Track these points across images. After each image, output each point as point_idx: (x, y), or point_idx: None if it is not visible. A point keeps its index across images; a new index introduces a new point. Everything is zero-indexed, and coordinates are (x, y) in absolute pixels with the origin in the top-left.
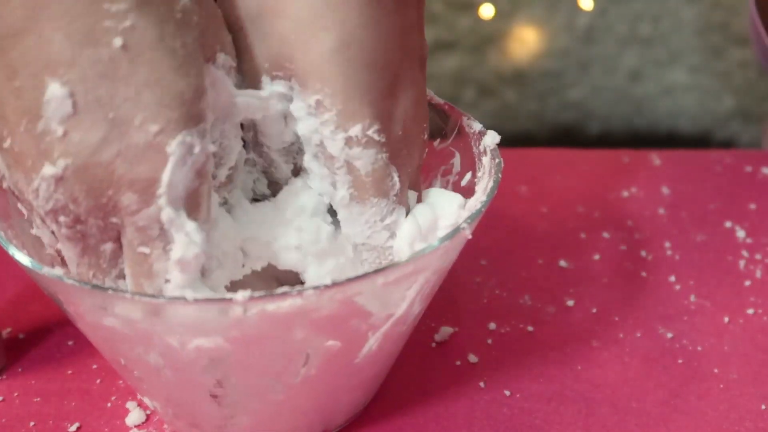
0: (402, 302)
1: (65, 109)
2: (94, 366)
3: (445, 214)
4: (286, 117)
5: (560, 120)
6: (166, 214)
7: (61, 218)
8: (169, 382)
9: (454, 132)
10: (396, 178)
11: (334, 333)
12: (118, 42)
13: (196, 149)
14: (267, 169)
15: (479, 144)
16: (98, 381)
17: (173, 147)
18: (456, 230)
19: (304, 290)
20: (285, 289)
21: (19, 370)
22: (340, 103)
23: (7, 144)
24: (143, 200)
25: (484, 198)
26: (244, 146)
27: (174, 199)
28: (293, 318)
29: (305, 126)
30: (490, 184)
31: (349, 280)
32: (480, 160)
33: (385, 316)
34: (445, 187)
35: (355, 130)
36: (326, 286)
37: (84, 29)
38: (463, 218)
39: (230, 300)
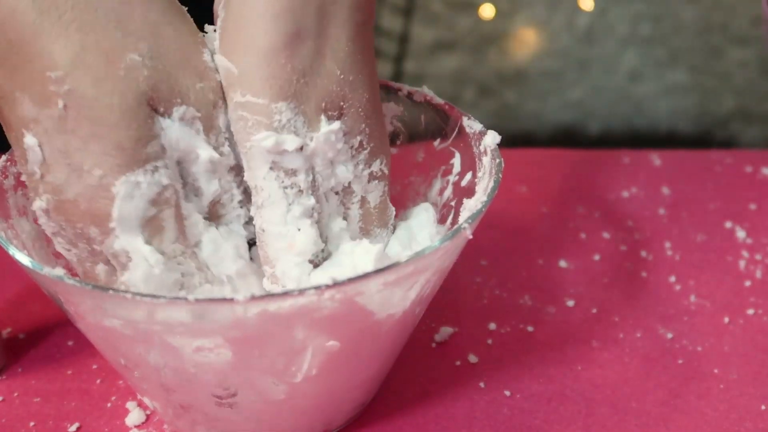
0: (403, 302)
1: (38, 156)
2: (94, 366)
3: (421, 225)
4: (332, 161)
5: (560, 120)
6: (119, 242)
7: (60, 240)
8: (169, 383)
9: (455, 132)
10: (392, 208)
11: (335, 333)
12: (60, 104)
13: (143, 185)
14: (321, 219)
15: (479, 144)
16: (98, 381)
17: (117, 187)
18: (457, 230)
19: (306, 290)
20: (286, 289)
21: (19, 370)
22: (374, 141)
23: (23, 177)
24: (103, 232)
25: (484, 198)
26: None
27: (128, 228)
28: (294, 318)
29: (344, 169)
30: (491, 184)
31: (351, 280)
32: (480, 160)
33: (386, 316)
34: (445, 187)
35: (375, 165)
36: (327, 286)
37: (39, 93)
38: (433, 222)
39: (231, 300)
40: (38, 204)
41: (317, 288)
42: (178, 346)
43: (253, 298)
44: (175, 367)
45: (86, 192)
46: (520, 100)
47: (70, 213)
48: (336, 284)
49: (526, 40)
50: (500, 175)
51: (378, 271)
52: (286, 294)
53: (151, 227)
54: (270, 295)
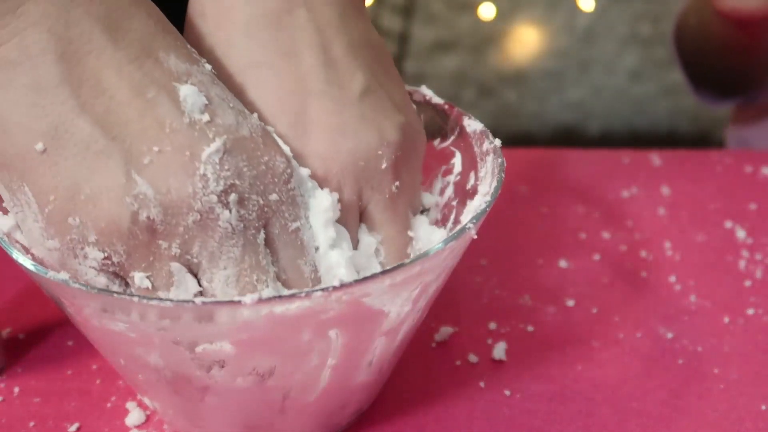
0: (407, 303)
1: (201, 102)
2: (94, 366)
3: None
4: None
5: (560, 120)
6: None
7: (232, 197)
8: (170, 383)
9: (455, 132)
10: None
11: (341, 335)
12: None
13: None
14: None
15: (481, 144)
16: (98, 381)
17: None
18: (461, 230)
19: (313, 292)
20: (293, 291)
21: (19, 370)
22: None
23: (147, 160)
24: (288, 163)
25: (488, 198)
26: None
27: None
28: (301, 320)
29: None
30: (494, 183)
31: (358, 282)
32: (482, 159)
33: (391, 317)
34: (446, 187)
35: None
36: (334, 288)
37: (185, 53)
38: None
39: (239, 303)
40: (212, 148)
41: (324, 290)
42: (183, 348)
43: (260, 300)
44: (179, 368)
45: (255, 131)
46: (520, 100)
47: (251, 147)
48: (343, 286)
49: (526, 40)
50: (503, 175)
51: (385, 272)
52: (293, 296)
53: None
54: (277, 297)
